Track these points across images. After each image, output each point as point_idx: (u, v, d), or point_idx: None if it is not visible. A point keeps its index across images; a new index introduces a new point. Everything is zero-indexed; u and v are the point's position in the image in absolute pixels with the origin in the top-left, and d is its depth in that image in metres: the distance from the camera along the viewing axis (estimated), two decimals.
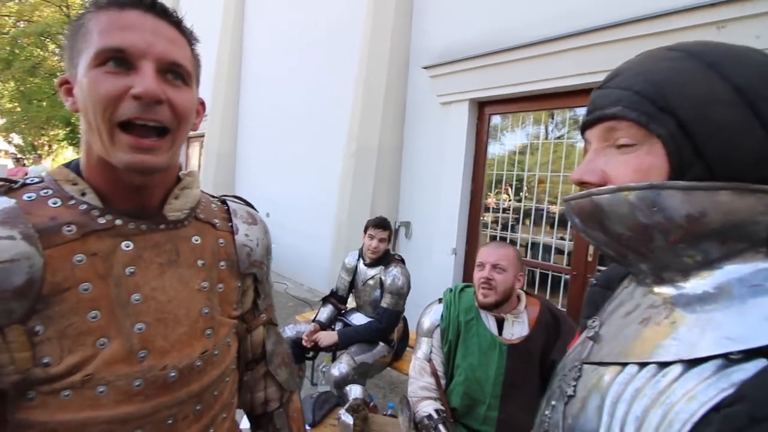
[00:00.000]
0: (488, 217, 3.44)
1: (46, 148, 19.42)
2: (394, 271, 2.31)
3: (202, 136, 7.25)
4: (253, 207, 0.80)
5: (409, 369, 1.48)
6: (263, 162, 6.16)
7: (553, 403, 0.51)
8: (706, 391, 0.34)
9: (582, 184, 0.46)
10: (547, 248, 3.04)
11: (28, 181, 0.53)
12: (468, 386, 1.35)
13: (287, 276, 5.48)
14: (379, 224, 2.35)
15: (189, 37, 0.57)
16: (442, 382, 1.41)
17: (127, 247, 0.54)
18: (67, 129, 16.77)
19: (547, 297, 2.93)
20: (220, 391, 0.64)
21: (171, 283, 0.57)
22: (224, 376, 0.64)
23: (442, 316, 1.46)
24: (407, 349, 2.52)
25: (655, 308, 0.43)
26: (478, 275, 1.38)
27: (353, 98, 4.12)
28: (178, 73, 0.53)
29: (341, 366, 2.11)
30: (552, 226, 3.01)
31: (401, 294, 2.28)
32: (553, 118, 3.07)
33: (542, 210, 3.06)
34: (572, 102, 2.83)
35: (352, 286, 2.55)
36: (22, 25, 15.31)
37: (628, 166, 0.43)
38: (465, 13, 3.39)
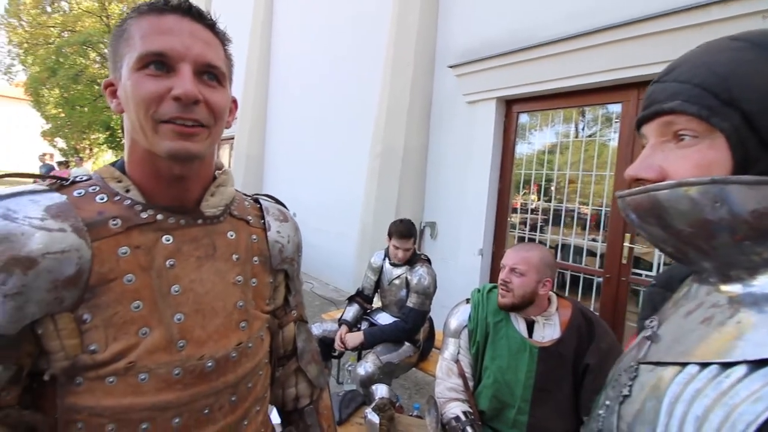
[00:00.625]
0: (516, 218, 3.37)
1: (87, 151, 20.48)
2: (420, 270, 2.30)
3: (232, 138, 7.46)
4: (284, 205, 0.82)
5: (436, 370, 1.47)
6: (290, 163, 6.27)
7: (608, 403, 0.50)
8: None
9: (638, 180, 0.45)
10: (578, 250, 2.95)
11: (77, 179, 0.57)
12: (497, 389, 1.32)
13: (313, 275, 5.56)
14: (403, 234, 2.29)
15: (222, 39, 0.59)
16: (470, 383, 1.39)
17: (168, 240, 0.56)
18: (107, 133, 17.64)
19: (580, 300, 2.84)
20: (254, 384, 0.65)
21: (208, 276, 0.59)
22: (257, 369, 0.66)
23: (469, 316, 1.44)
24: (433, 349, 2.51)
25: (718, 307, 0.41)
26: (499, 276, 1.38)
27: (379, 99, 4.14)
28: (213, 74, 0.55)
29: (367, 365, 2.12)
30: (583, 228, 2.91)
31: (427, 294, 2.27)
32: (584, 116, 2.98)
33: (573, 211, 2.97)
34: (604, 99, 2.73)
35: (378, 285, 2.56)
36: (65, 35, 16.22)
37: (688, 161, 0.41)
38: (491, 10, 3.34)
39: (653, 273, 2.55)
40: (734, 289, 0.41)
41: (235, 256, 0.64)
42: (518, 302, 1.33)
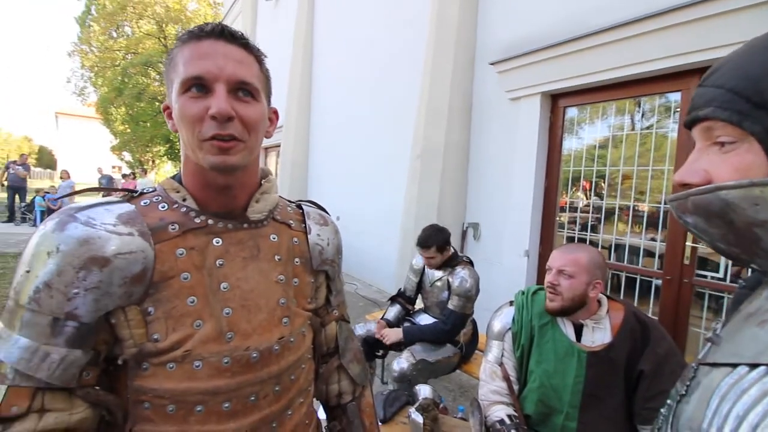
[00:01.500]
0: (565, 217, 3.23)
1: (150, 163, 22.20)
2: (462, 273, 2.27)
3: (278, 146, 7.77)
4: (325, 210, 0.87)
5: (480, 372, 1.44)
6: (333, 168, 6.43)
7: (669, 402, 0.51)
8: None
9: (685, 185, 0.45)
10: (634, 250, 2.77)
11: (144, 191, 0.65)
12: (543, 393, 1.27)
13: (357, 277, 5.65)
14: (422, 244, 2.28)
15: (257, 55, 0.63)
16: (515, 387, 1.35)
17: (217, 243, 0.63)
18: (167, 146, 19.04)
19: (635, 303, 2.66)
20: (297, 377, 0.70)
21: (253, 275, 0.65)
22: (300, 363, 0.70)
23: (513, 319, 1.40)
24: (476, 352, 2.46)
25: None
26: (546, 279, 1.31)
27: (419, 98, 4.13)
28: (247, 90, 0.59)
29: (401, 361, 2.15)
30: (640, 226, 2.73)
31: (469, 296, 2.23)
32: (639, 107, 2.79)
33: (628, 208, 2.79)
34: (660, 88, 2.55)
35: (419, 287, 2.55)
36: (129, 57, 17.72)
37: (728, 166, 0.42)
38: (531, 2, 3.24)
39: (719, 274, 2.34)
40: None
41: (277, 257, 0.69)
42: (567, 305, 1.27)
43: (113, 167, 11.88)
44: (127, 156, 22.03)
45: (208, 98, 0.56)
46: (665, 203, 2.56)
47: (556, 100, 3.18)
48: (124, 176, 12.00)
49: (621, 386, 1.20)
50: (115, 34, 18.18)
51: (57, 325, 0.51)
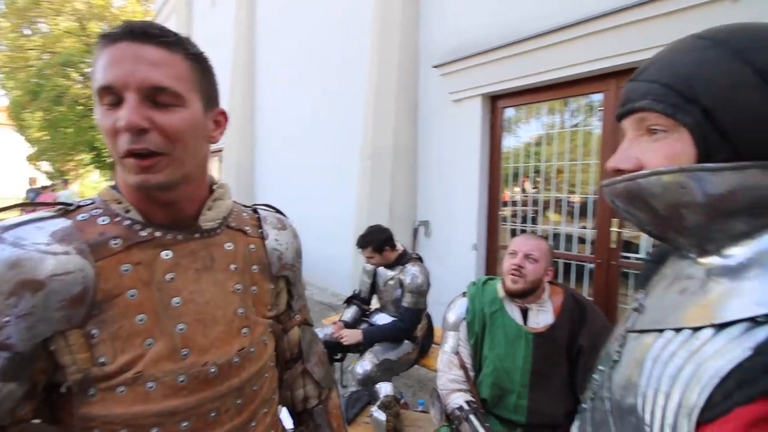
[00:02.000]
0: (507, 211, 3.42)
1: (73, 173, 20.26)
2: (413, 270, 2.33)
3: (220, 150, 7.45)
4: (282, 214, 0.85)
5: (437, 363, 1.50)
6: (282, 170, 6.28)
7: (601, 368, 0.55)
8: (732, 350, 0.37)
9: (618, 171, 0.49)
10: (569, 238, 3.01)
11: (81, 204, 0.59)
12: (497, 376, 1.36)
13: (311, 281, 5.56)
14: (358, 244, 2.38)
15: (185, 52, 0.56)
16: (471, 374, 1.43)
17: (167, 255, 0.59)
18: (92, 153, 17.48)
19: (573, 287, 2.89)
20: (260, 387, 0.68)
21: (207, 287, 0.62)
22: (262, 372, 0.68)
23: (467, 309, 1.47)
24: (433, 345, 2.54)
25: (691, 279, 0.46)
26: (509, 262, 1.38)
27: (365, 101, 4.17)
28: (166, 95, 0.53)
29: (365, 363, 2.16)
30: (573, 216, 2.97)
31: (421, 292, 2.30)
32: (567, 106, 3.04)
33: (562, 200, 3.03)
34: (586, 89, 2.79)
35: (373, 287, 2.59)
36: (45, 57, 16.06)
37: (659, 153, 0.46)
38: (470, 8, 3.40)
39: (642, 255, 2.61)
40: (708, 261, 0.45)
41: (233, 266, 0.66)
42: (529, 288, 1.35)
43: (30, 179, 10.56)
44: (46, 165, 19.97)
45: (120, 109, 0.51)
46: (594, 194, 2.81)
47: (495, 101, 3.37)
48: (42, 188, 10.72)
49: (564, 363, 1.31)
50: (28, 32, 16.38)
51: None
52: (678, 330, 0.43)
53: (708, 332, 0.40)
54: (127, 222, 0.58)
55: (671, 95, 0.44)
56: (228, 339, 0.62)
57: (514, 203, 3.38)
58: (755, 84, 0.39)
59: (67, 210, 0.57)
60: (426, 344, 2.46)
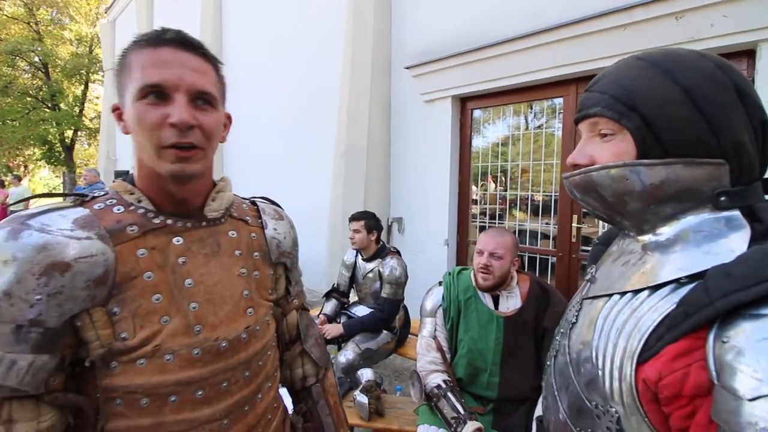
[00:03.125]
0: (476, 209, 3.60)
1: (23, 168, 18.96)
2: (391, 262, 2.44)
3: None
4: (278, 206, 0.92)
5: (417, 347, 1.62)
6: (252, 169, 6.22)
7: (562, 330, 0.66)
8: (663, 305, 0.48)
9: (575, 166, 0.60)
10: (533, 234, 3.21)
11: (95, 195, 0.65)
12: (471, 357, 1.48)
13: None
14: (353, 217, 2.52)
15: (214, 63, 0.66)
16: (447, 356, 1.55)
17: (178, 241, 0.65)
18: (44, 148, 16.41)
19: None
20: (264, 362, 0.75)
21: (215, 270, 0.68)
22: (266, 350, 0.76)
23: (443, 297, 1.59)
24: (410, 336, 2.66)
25: (632, 254, 0.58)
26: (477, 260, 1.51)
27: (339, 101, 4.23)
28: (206, 99, 0.62)
29: (347, 353, 2.25)
30: (537, 213, 3.18)
31: (399, 283, 2.42)
32: (531, 109, 3.24)
33: (527, 198, 3.22)
34: (549, 93, 3.00)
35: (352, 281, 2.68)
36: None
37: (608, 151, 0.56)
38: (441, 13, 3.54)
39: None
40: (645, 238, 0.57)
41: (237, 252, 0.73)
42: (497, 282, 1.49)
43: None
44: None
45: (166, 106, 0.58)
46: (555, 192, 3.02)
47: (464, 103, 3.53)
48: None
49: (531, 343, 1.45)
50: None
51: (20, 333, 0.52)
52: (622, 294, 0.54)
53: (645, 294, 0.51)
54: (141, 211, 0.63)
55: (617, 104, 0.54)
56: (235, 317, 0.69)
57: (483, 201, 3.56)
58: (681, 99, 0.51)
59: (83, 200, 0.63)
60: (403, 334, 2.58)
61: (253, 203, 0.86)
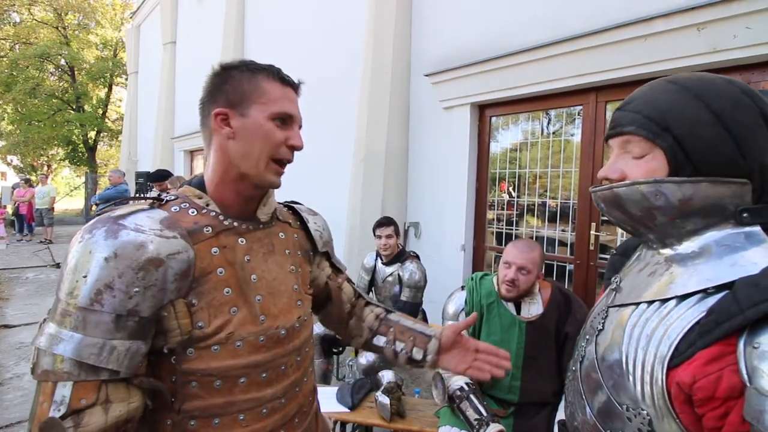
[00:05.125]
0: (492, 214, 3.63)
1: (46, 168, 19.53)
2: (411, 266, 2.50)
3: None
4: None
5: None
6: None
7: (587, 337, 0.70)
8: (692, 313, 0.51)
9: (606, 180, 0.63)
10: (550, 240, 3.23)
11: (168, 198, 0.73)
12: None
13: None
14: (381, 223, 2.58)
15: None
16: None
17: (242, 241, 0.74)
18: (68, 148, 16.92)
19: None
20: (309, 349, 0.85)
21: (273, 267, 0.78)
22: (309, 338, 0.86)
23: (465, 300, 1.64)
24: None
25: (659, 264, 0.61)
26: (503, 272, 1.54)
27: (359, 107, 4.31)
28: (300, 126, 0.79)
29: (368, 355, 2.31)
30: (553, 220, 3.19)
31: (419, 287, 2.47)
32: (547, 114, 3.26)
33: (544, 204, 3.25)
34: (566, 102, 3.02)
35: (371, 284, 2.73)
36: (18, 48, 15.48)
37: (640, 168, 0.59)
38: (460, 21, 3.59)
39: None
40: (668, 251, 0.60)
41: (287, 251, 0.83)
42: (521, 294, 1.53)
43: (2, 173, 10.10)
44: (15, 160, 19.20)
45: (286, 130, 0.74)
46: (574, 199, 3.04)
47: (483, 110, 3.57)
48: (25, 181, 10.10)
49: (552, 347, 1.49)
50: None
51: (120, 321, 0.58)
52: (650, 303, 0.57)
53: (672, 303, 0.55)
54: (212, 213, 0.72)
55: (651, 125, 0.57)
56: (290, 309, 0.78)
57: (500, 207, 3.58)
58: (712, 121, 0.55)
59: (160, 203, 0.71)
60: None
61: (289, 208, 0.96)
